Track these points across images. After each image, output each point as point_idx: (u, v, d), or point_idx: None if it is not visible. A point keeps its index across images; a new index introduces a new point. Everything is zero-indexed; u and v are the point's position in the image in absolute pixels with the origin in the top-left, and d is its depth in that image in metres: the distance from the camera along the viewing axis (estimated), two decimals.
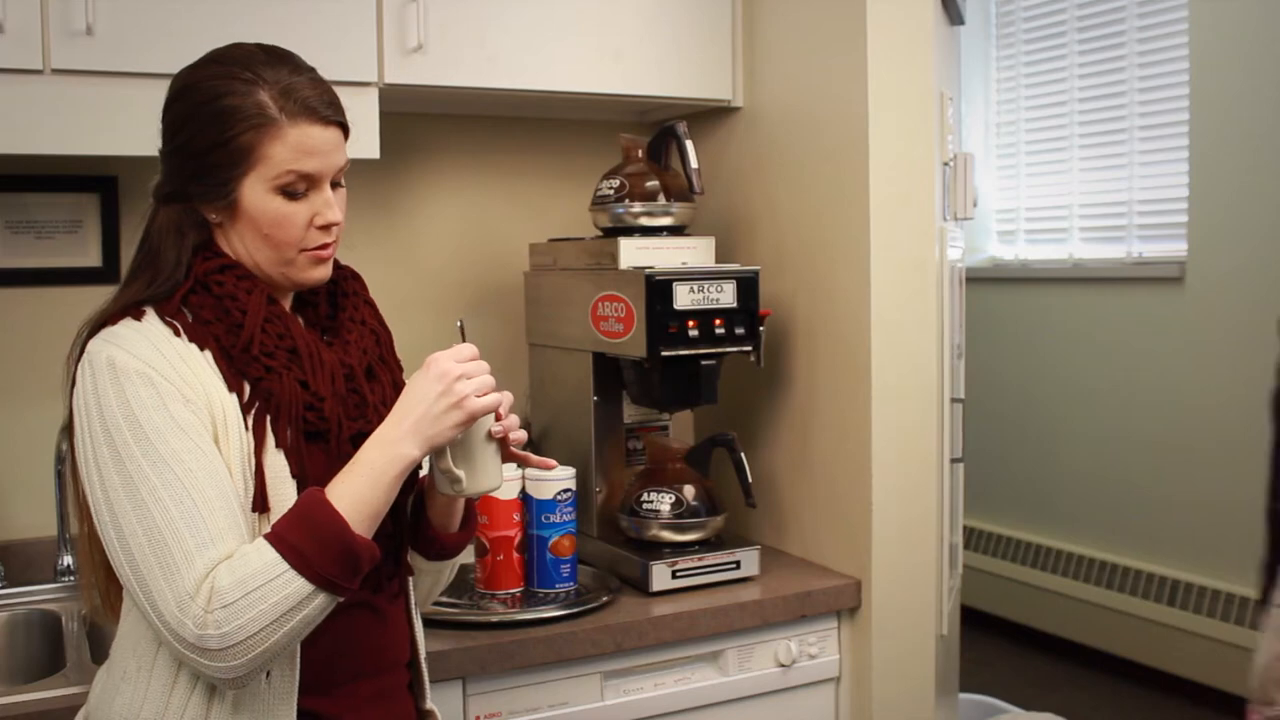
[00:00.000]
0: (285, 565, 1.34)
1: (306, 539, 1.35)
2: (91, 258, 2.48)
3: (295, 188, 1.48)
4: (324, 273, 1.56)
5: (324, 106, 1.50)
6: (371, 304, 1.67)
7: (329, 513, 1.37)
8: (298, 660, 1.46)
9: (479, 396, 1.47)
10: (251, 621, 1.33)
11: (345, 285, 1.65)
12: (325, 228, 1.52)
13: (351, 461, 1.44)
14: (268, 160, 1.46)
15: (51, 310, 2.42)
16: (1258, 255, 4.18)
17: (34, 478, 2.37)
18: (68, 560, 2.34)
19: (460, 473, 1.53)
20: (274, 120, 1.46)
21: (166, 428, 1.38)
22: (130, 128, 2.12)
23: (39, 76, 2.06)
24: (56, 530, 2.36)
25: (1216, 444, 4.31)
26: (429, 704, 1.70)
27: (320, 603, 1.37)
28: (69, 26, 2.06)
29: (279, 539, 1.36)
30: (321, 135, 1.49)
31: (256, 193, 1.47)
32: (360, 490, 1.41)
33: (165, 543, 1.34)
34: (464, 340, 1.57)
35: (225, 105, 1.46)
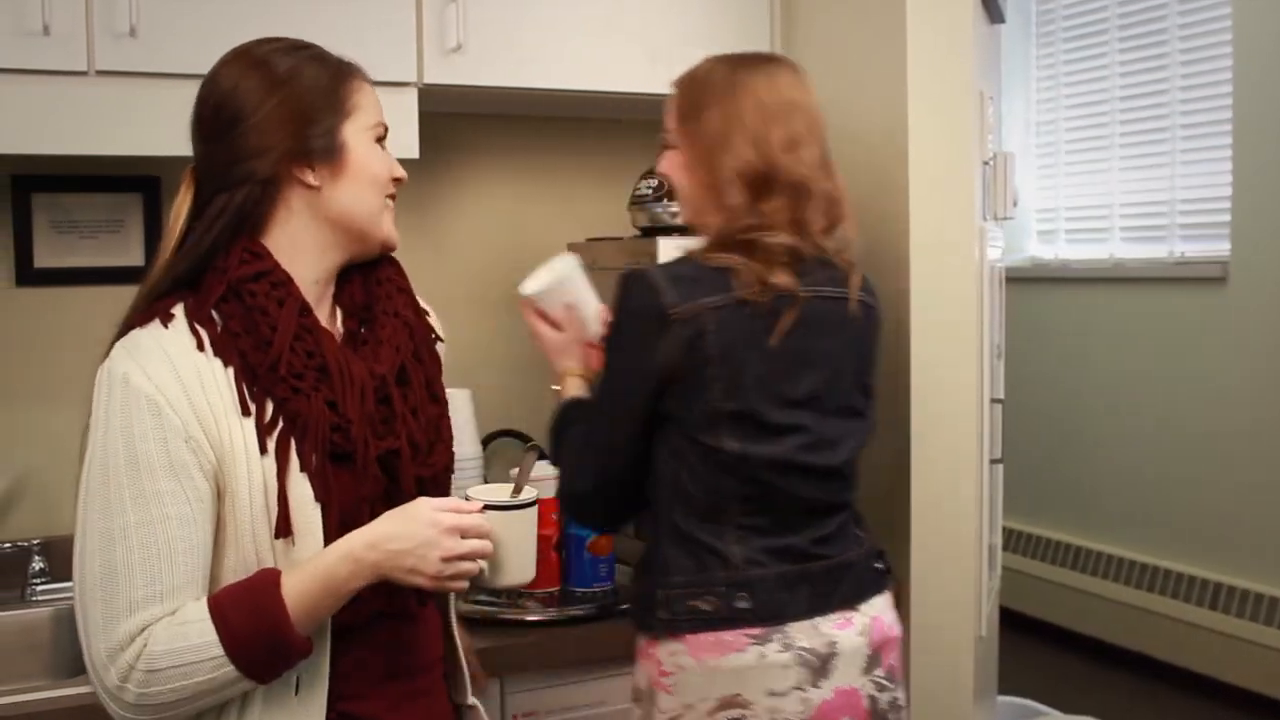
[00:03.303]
0: (220, 651, 1.34)
1: (247, 628, 1.35)
2: (134, 257, 2.50)
3: (382, 141, 1.56)
4: (397, 234, 1.61)
5: (368, 76, 1.59)
6: (406, 291, 1.64)
7: (278, 608, 1.36)
8: (326, 674, 1.46)
9: (446, 577, 1.44)
10: (172, 692, 1.34)
11: (380, 272, 1.62)
12: (397, 180, 1.59)
13: (316, 564, 1.40)
14: (363, 109, 1.54)
15: (95, 309, 2.42)
16: None
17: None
18: None
19: (482, 565, 1.50)
20: (354, 72, 1.55)
21: (160, 464, 1.37)
22: (173, 128, 2.11)
23: (83, 78, 2.08)
24: None
25: (1260, 445, 4.27)
26: (470, 699, 1.70)
27: (244, 686, 1.38)
28: (113, 28, 2.08)
29: (222, 620, 1.35)
30: (379, 98, 1.59)
31: (361, 139, 1.53)
32: (315, 596, 1.39)
33: (116, 584, 1.35)
34: (522, 472, 1.62)
35: (309, 63, 1.52)
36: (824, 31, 2.59)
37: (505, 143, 2.87)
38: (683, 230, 2.46)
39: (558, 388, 2.00)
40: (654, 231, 2.48)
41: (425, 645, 1.62)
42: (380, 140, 1.56)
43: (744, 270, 1.79)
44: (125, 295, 2.42)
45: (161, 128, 2.13)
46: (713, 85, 1.89)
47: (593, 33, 2.52)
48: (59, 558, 2.37)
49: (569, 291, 2.00)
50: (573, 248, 2.71)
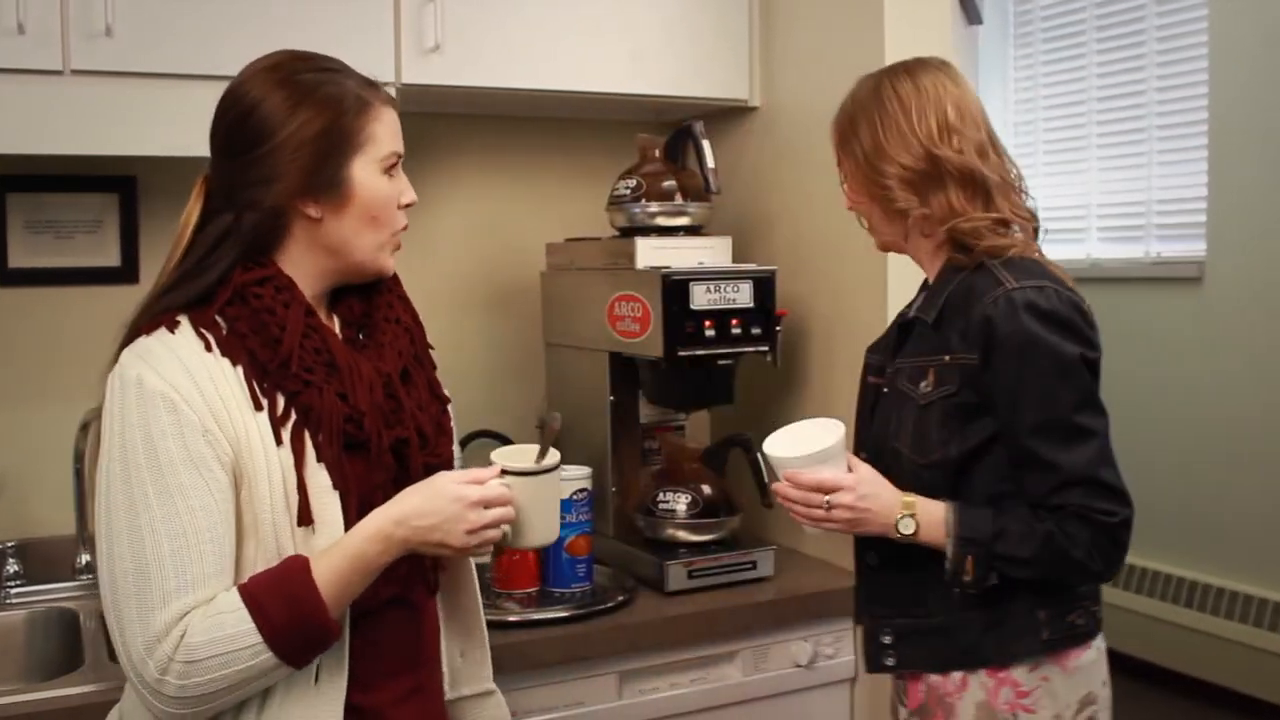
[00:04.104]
0: (259, 638, 1.36)
1: (284, 614, 1.37)
2: (111, 257, 2.49)
3: (394, 169, 1.56)
4: (394, 264, 1.61)
5: (389, 96, 1.58)
6: (405, 299, 1.68)
7: (312, 593, 1.39)
8: (346, 663, 1.48)
9: (473, 546, 1.49)
10: (212, 682, 1.36)
11: (379, 282, 1.65)
12: (405, 207, 1.59)
13: (345, 545, 1.43)
14: (375, 141, 1.53)
15: (71, 310, 2.43)
16: (1277, 255, 4.16)
17: (54, 476, 2.38)
18: (86, 558, 2.35)
19: (505, 529, 1.55)
20: (370, 102, 1.53)
21: (180, 459, 1.39)
22: (150, 128, 2.13)
23: (59, 77, 2.07)
24: (75, 529, 2.37)
25: (1236, 444, 4.29)
26: (459, 690, 1.73)
27: (280, 673, 1.41)
28: (89, 27, 2.07)
29: (258, 607, 1.37)
30: (397, 119, 1.58)
31: (367, 173, 1.52)
32: (346, 577, 1.42)
33: (148, 577, 1.36)
34: (545, 435, 1.62)
35: (329, 92, 1.50)
36: (802, 33, 2.60)
37: (483, 143, 2.87)
38: (661, 230, 2.46)
39: (908, 531, 1.75)
40: (632, 232, 2.48)
41: (427, 639, 1.65)
42: (392, 169, 1.56)
43: (1051, 266, 1.81)
44: (102, 296, 2.43)
45: (138, 128, 2.13)
46: (859, 101, 1.86)
47: (571, 33, 2.52)
48: (34, 560, 2.37)
49: (841, 458, 1.81)
50: (551, 248, 2.72)
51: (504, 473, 1.55)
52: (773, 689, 2.35)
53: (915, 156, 1.79)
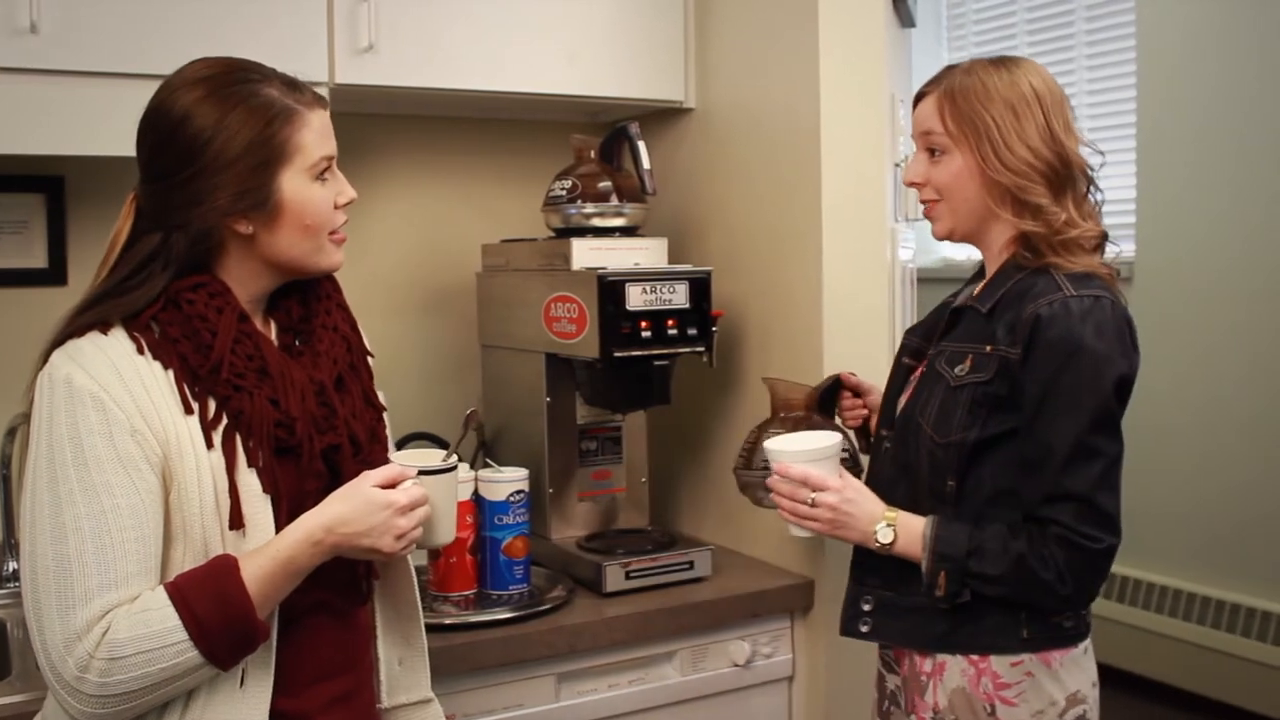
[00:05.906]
0: (184, 635, 1.36)
1: (212, 612, 1.37)
2: (37, 259, 2.44)
3: (326, 172, 1.54)
4: (342, 257, 1.60)
5: (317, 95, 1.56)
6: (345, 307, 1.67)
7: (240, 592, 1.38)
8: (272, 668, 1.48)
9: (400, 548, 1.51)
10: (135, 680, 1.35)
11: (319, 288, 1.64)
12: (344, 206, 1.58)
13: (274, 548, 1.43)
14: (303, 150, 1.50)
15: None
16: (1205, 255, 4.24)
17: None
18: (12, 566, 2.31)
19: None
20: (295, 110, 1.50)
21: (107, 457, 1.38)
22: (78, 127, 2.10)
23: None
24: (2, 535, 2.33)
25: (1162, 445, 4.35)
26: (396, 699, 1.72)
27: (204, 674, 1.40)
28: (13, 24, 2.03)
29: (185, 605, 1.36)
30: (327, 118, 1.56)
31: (296, 184, 1.50)
32: (275, 579, 1.42)
33: (70, 574, 1.35)
34: (467, 428, 1.66)
35: (253, 105, 1.47)
36: (737, 34, 2.60)
37: (418, 144, 2.85)
38: (596, 231, 2.46)
39: (886, 540, 1.79)
40: (567, 233, 2.47)
41: (358, 646, 1.65)
42: (325, 173, 1.54)
43: (1109, 278, 1.83)
44: (28, 298, 2.39)
45: (66, 127, 2.10)
46: (990, 84, 1.82)
47: (507, 33, 2.51)
48: None
49: (833, 463, 1.86)
50: (487, 249, 2.71)
51: (421, 473, 1.57)
52: (711, 689, 2.35)
53: (1053, 151, 1.81)
